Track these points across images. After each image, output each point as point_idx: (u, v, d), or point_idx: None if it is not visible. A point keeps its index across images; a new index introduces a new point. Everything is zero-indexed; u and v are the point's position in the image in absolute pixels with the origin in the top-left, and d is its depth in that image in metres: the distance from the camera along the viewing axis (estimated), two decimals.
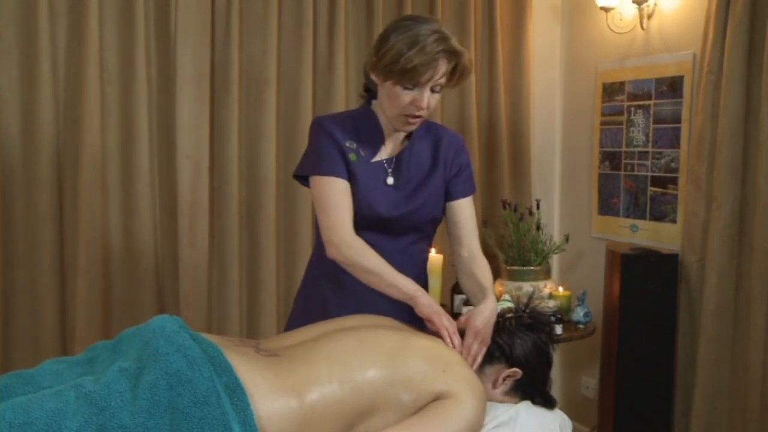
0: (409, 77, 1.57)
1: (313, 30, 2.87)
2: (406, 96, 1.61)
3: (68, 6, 2.49)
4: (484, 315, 1.59)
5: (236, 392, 1.10)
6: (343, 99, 2.92)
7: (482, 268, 1.77)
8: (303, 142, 2.86)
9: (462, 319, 1.62)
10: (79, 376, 1.18)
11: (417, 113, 1.64)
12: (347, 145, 1.69)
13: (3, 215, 2.44)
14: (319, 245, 1.78)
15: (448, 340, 1.52)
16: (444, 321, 1.55)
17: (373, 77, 1.67)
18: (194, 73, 2.66)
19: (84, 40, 2.48)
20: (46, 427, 1.03)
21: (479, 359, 1.53)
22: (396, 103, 1.63)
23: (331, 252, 1.64)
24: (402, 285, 1.60)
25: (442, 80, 1.61)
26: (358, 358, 1.28)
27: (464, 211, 1.81)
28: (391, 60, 1.56)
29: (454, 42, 1.59)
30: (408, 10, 3.04)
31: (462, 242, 1.81)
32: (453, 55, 1.59)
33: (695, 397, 2.65)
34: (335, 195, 1.66)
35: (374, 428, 1.25)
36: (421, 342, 1.43)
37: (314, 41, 2.89)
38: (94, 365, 1.23)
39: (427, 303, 1.58)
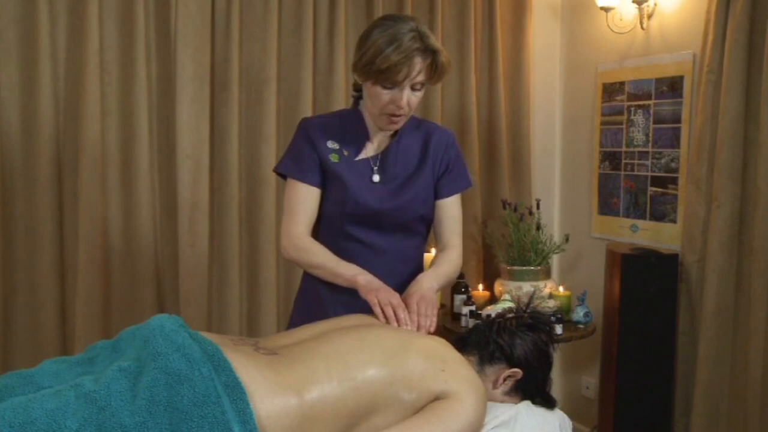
0: (386, 76, 1.58)
1: (313, 30, 2.87)
2: (386, 95, 1.62)
3: (68, 6, 2.49)
4: (419, 283, 1.62)
5: (236, 391, 1.10)
6: (343, 99, 2.92)
7: (444, 258, 1.78)
8: None
9: (403, 296, 1.61)
10: (78, 375, 1.18)
11: (398, 112, 1.65)
12: (328, 145, 1.73)
13: (3, 215, 2.45)
14: None
15: (380, 312, 1.49)
16: (380, 295, 1.52)
17: (356, 78, 1.69)
18: (194, 73, 2.67)
19: (84, 40, 2.48)
20: (46, 427, 1.02)
21: (433, 321, 1.52)
22: (377, 102, 1.65)
23: (282, 254, 1.74)
24: (343, 272, 1.63)
25: (421, 78, 1.62)
26: (357, 357, 1.28)
27: (449, 209, 1.82)
28: (370, 59, 1.58)
29: (431, 40, 1.60)
30: (408, 10, 3.04)
31: (442, 239, 1.83)
32: (428, 52, 1.59)
33: (695, 397, 2.65)
34: (295, 200, 1.72)
35: (375, 428, 1.25)
36: (421, 341, 1.43)
37: (314, 41, 2.89)
38: (94, 365, 1.23)
39: (365, 283, 1.58)
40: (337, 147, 1.73)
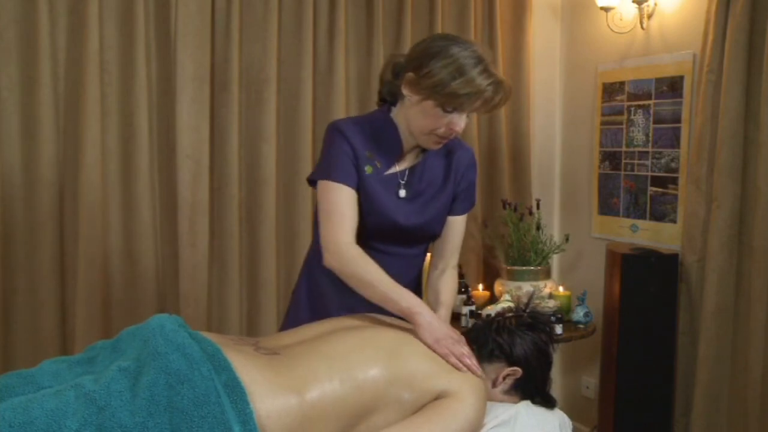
0: (455, 103, 1.54)
1: (313, 30, 2.87)
2: (444, 118, 1.57)
3: (68, 6, 2.49)
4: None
5: (235, 391, 1.10)
6: (343, 99, 2.92)
7: (447, 285, 1.77)
8: (303, 143, 2.86)
9: None
10: (78, 375, 1.18)
11: (450, 136, 1.62)
12: (366, 155, 1.65)
13: (3, 215, 2.44)
14: (315, 239, 1.78)
15: (457, 363, 1.41)
16: (452, 348, 1.43)
17: (407, 92, 1.60)
18: (194, 73, 2.66)
19: (84, 40, 2.48)
20: (45, 427, 1.02)
21: (472, 358, 1.46)
22: (431, 122, 1.59)
23: (328, 260, 1.60)
24: (400, 299, 1.52)
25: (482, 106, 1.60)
26: (359, 357, 1.28)
27: (456, 227, 1.79)
28: (438, 84, 1.52)
29: (496, 70, 1.56)
30: (408, 11, 3.04)
31: (443, 256, 1.79)
32: (500, 86, 1.56)
33: (695, 397, 2.65)
34: (341, 203, 1.61)
35: (375, 427, 1.25)
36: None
37: (314, 41, 2.89)
38: (94, 365, 1.23)
39: (426, 325, 1.45)
40: (372, 158, 1.66)
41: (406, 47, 3.04)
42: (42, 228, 2.49)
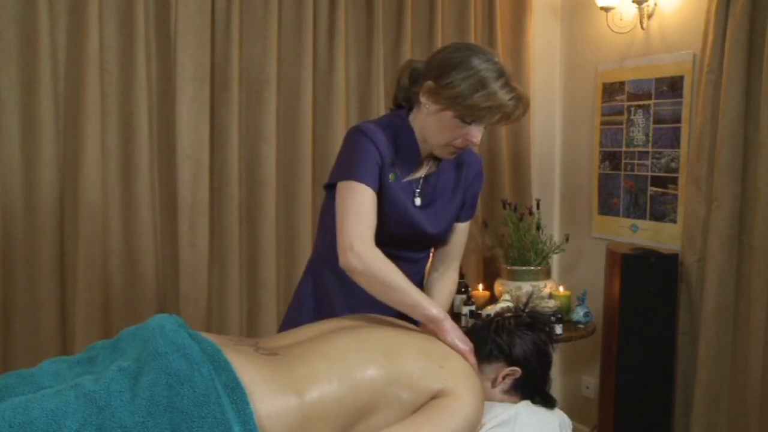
0: (475, 115, 1.54)
1: (313, 30, 2.87)
2: (463, 129, 1.56)
3: (68, 6, 2.49)
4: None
5: (235, 391, 1.10)
6: (343, 99, 2.92)
7: (446, 286, 1.81)
8: (303, 143, 2.86)
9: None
10: (78, 375, 1.18)
11: (465, 147, 1.62)
12: (389, 162, 1.63)
13: (3, 215, 2.44)
14: (322, 242, 1.77)
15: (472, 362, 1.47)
16: (468, 353, 1.49)
17: (426, 101, 1.59)
18: (194, 73, 2.66)
19: (84, 40, 2.48)
20: (45, 427, 1.02)
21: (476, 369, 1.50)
22: (449, 133, 1.58)
23: (349, 259, 1.52)
24: (430, 306, 1.51)
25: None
26: (357, 357, 1.28)
27: (459, 234, 1.81)
28: (458, 95, 1.52)
29: (517, 84, 1.56)
30: (408, 11, 3.04)
31: (445, 260, 1.81)
32: (521, 100, 1.55)
33: (695, 397, 2.65)
34: (367, 204, 1.57)
35: (375, 426, 1.25)
36: (420, 340, 1.43)
37: (314, 41, 2.89)
38: (94, 365, 1.23)
39: (450, 328, 1.49)
40: (394, 165, 1.65)
41: (407, 47, 3.05)
42: (42, 228, 2.49)
